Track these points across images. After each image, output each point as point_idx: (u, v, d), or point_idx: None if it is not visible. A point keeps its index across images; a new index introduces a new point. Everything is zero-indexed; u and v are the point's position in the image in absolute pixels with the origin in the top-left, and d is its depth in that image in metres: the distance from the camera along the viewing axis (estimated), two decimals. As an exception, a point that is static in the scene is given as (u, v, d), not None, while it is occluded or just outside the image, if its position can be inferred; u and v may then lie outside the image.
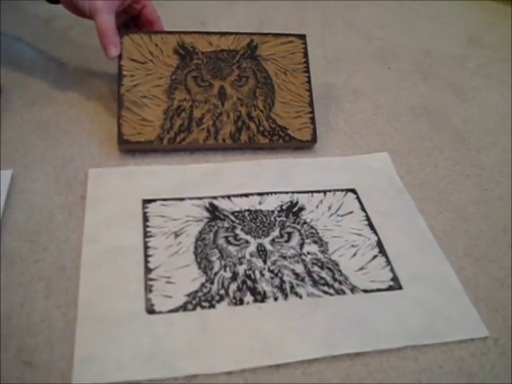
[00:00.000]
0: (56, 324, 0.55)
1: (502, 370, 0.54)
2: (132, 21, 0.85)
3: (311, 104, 0.79)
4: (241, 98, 0.77)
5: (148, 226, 0.64)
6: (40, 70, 0.90)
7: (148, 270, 0.59)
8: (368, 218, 0.68)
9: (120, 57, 0.77)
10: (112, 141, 0.77)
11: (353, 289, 0.59)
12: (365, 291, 0.59)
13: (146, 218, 0.65)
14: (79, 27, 0.99)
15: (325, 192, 0.71)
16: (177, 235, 0.63)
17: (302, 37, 0.83)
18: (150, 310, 0.55)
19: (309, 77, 0.80)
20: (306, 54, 0.81)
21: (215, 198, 0.68)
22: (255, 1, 1.19)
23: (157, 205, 0.67)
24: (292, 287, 0.58)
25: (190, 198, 0.68)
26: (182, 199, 0.68)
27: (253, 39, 0.81)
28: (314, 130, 0.77)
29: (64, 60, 0.94)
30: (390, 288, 0.60)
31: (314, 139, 0.77)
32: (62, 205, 0.68)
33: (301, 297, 0.58)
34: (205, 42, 0.79)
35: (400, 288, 0.60)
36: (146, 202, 0.67)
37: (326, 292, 0.58)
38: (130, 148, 0.74)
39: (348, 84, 0.96)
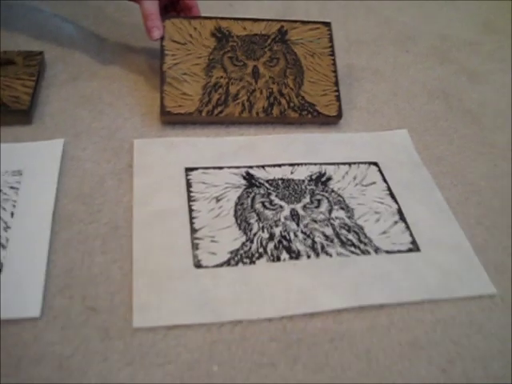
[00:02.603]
0: (114, 276, 0.62)
1: (506, 323, 0.62)
2: (171, 6, 0.91)
3: (337, 83, 0.86)
4: (272, 76, 0.84)
5: (191, 192, 0.71)
6: (80, 45, 0.97)
7: (194, 231, 0.66)
8: (389, 189, 0.75)
9: (162, 38, 0.83)
10: (153, 114, 0.84)
11: (376, 250, 0.66)
12: (387, 252, 0.66)
13: (189, 184, 0.72)
14: (114, 5, 1.05)
15: (350, 164, 0.78)
16: (218, 200, 0.70)
17: (328, 24, 0.90)
18: (198, 265, 0.63)
19: (334, 59, 0.87)
20: (331, 40, 0.88)
21: (251, 167, 0.75)
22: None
23: (198, 172, 0.74)
24: (323, 247, 0.65)
25: (229, 167, 0.75)
26: (220, 168, 0.75)
27: (283, 25, 0.88)
28: (340, 106, 0.84)
29: (103, 36, 1.00)
30: (409, 250, 0.67)
31: (339, 115, 0.84)
32: (112, 171, 0.75)
33: (331, 255, 0.65)
34: (239, 26, 0.87)
35: (418, 250, 0.67)
36: (189, 169, 0.74)
37: (352, 252, 0.65)
38: (171, 119, 0.81)
39: (369, 66, 1.02)
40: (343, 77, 0.94)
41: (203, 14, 0.90)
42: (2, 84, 0.84)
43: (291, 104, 0.83)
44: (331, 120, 0.84)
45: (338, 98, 0.84)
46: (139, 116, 0.84)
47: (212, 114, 0.81)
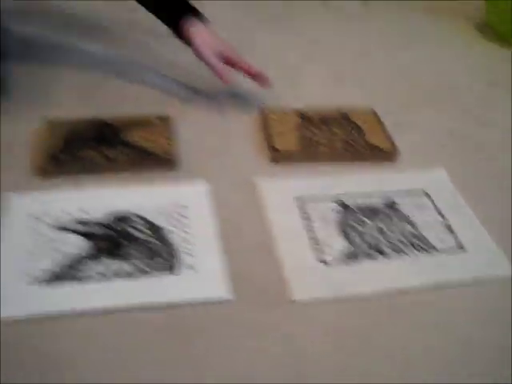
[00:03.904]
0: (271, 272, 0.97)
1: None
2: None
3: (389, 136, 1.24)
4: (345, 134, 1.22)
5: (305, 214, 1.06)
6: (196, 105, 1.32)
7: (314, 240, 1.02)
8: (438, 210, 1.11)
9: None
10: (263, 155, 1.20)
11: (437, 250, 1.02)
12: (443, 251, 1.02)
13: (302, 209, 1.07)
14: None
15: (409, 194, 1.14)
16: (325, 220, 1.06)
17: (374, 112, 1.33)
18: (323, 262, 0.98)
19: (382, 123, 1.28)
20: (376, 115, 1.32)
21: (342, 196, 1.11)
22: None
23: (307, 200, 1.09)
24: (402, 249, 1.01)
25: (327, 197, 1.10)
26: (321, 198, 1.10)
27: (345, 113, 1.30)
28: (395, 147, 1.22)
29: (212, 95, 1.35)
30: (458, 250, 1.02)
31: (396, 153, 1.22)
32: (246, 201, 1.09)
33: (407, 254, 1.00)
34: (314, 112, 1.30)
35: (463, 249, 1.03)
36: (300, 199, 1.10)
37: (419, 251, 1.01)
38: (279, 157, 1.17)
39: (404, 118, 1.39)
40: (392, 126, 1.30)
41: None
42: (150, 140, 1.18)
43: (362, 145, 1.20)
44: (391, 156, 1.19)
45: (393, 143, 1.21)
46: (254, 157, 1.20)
47: (308, 152, 1.16)
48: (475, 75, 1.62)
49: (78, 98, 1.37)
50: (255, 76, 1.29)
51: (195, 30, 1.26)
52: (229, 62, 1.27)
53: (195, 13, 1.29)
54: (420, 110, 1.43)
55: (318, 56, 1.68)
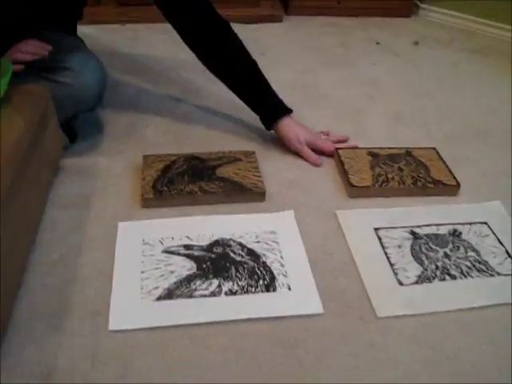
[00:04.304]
0: (353, 289, 1.13)
1: None
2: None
3: (450, 170, 1.39)
4: (411, 169, 1.38)
5: (382, 242, 1.23)
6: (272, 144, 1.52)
7: (391, 264, 1.18)
8: (497, 238, 1.26)
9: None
10: (341, 190, 1.37)
11: (497, 273, 1.17)
12: (504, 275, 1.17)
13: (379, 238, 1.24)
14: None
15: (471, 224, 1.29)
16: (399, 246, 1.22)
17: (434, 148, 1.48)
18: (400, 283, 1.14)
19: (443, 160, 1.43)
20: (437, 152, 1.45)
21: (413, 226, 1.27)
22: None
23: (383, 230, 1.25)
24: (467, 273, 1.17)
25: (400, 227, 1.27)
26: (395, 227, 1.27)
27: (409, 151, 1.44)
28: (457, 181, 1.37)
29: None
30: None
31: (458, 186, 1.36)
32: (328, 229, 1.26)
33: (472, 277, 1.16)
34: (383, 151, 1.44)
35: None
36: (376, 229, 1.26)
37: (483, 275, 1.16)
38: (355, 192, 1.33)
39: (464, 155, 1.55)
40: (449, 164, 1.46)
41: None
42: (241, 175, 1.36)
43: (428, 180, 1.35)
44: (453, 189, 1.35)
45: (454, 177, 1.37)
46: (332, 191, 1.36)
47: (381, 188, 1.33)
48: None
49: (170, 137, 1.56)
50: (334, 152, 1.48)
51: (286, 127, 1.47)
52: (311, 145, 1.47)
53: (285, 110, 1.48)
54: (474, 147, 1.59)
55: (378, 97, 1.85)
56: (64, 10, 1.50)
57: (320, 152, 1.48)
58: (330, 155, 1.48)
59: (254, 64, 1.44)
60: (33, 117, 1.19)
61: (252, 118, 1.51)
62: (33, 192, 1.19)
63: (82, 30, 1.61)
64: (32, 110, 1.20)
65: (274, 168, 1.42)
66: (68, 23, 1.55)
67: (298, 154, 1.47)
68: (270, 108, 1.47)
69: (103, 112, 1.61)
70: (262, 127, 1.51)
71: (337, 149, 1.46)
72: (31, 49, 1.33)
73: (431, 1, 2.50)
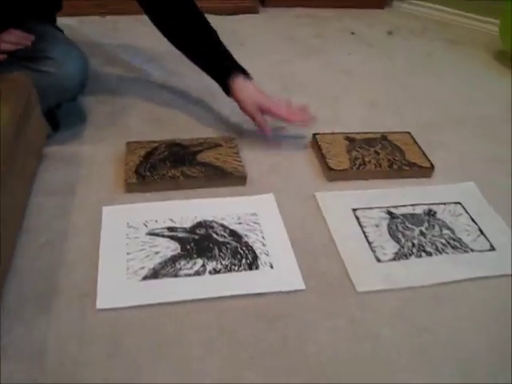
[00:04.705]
0: (334, 265, 1.17)
1: None
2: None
3: (425, 155, 1.44)
4: (387, 153, 1.42)
5: (360, 222, 1.27)
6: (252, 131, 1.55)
7: (369, 243, 1.22)
8: (471, 216, 1.30)
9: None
10: (319, 173, 1.41)
11: (471, 250, 1.22)
12: (477, 251, 1.22)
13: (357, 218, 1.28)
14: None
15: (445, 203, 1.34)
16: (377, 226, 1.26)
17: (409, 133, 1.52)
18: (378, 260, 1.18)
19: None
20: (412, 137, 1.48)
21: (389, 207, 1.31)
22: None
23: (360, 211, 1.30)
24: (442, 249, 1.21)
25: (377, 207, 1.31)
26: (371, 208, 1.31)
27: (385, 135, 1.49)
28: (431, 163, 1.42)
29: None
30: (489, 250, 1.22)
31: (432, 167, 1.41)
32: (307, 212, 1.29)
33: (447, 253, 1.20)
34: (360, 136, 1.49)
35: (494, 250, 1.22)
36: (354, 209, 1.30)
37: (457, 251, 1.21)
38: (333, 176, 1.37)
39: (437, 139, 1.60)
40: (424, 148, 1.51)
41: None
42: (222, 160, 1.39)
43: (403, 163, 1.40)
44: (428, 172, 1.40)
45: (429, 160, 1.42)
46: (311, 175, 1.40)
47: (358, 171, 1.37)
48: (495, 98, 1.83)
49: (152, 124, 1.59)
50: (295, 120, 1.46)
51: (240, 86, 1.42)
52: (268, 112, 1.43)
53: (240, 70, 1.46)
54: (449, 133, 1.64)
55: (353, 85, 1.90)
56: (43, 1, 1.50)
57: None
58: (290, 121, 1.47)
59: (211, 32, 1.46)
60: (17, 106, 1.21)
61: (233, 106, 1.52)
62: (18, 180, 1.21)
63: (62, 21, 1.63)
64: (16, 100, 1.22)
65: (254, 154, 1.45)
66: (47, 14, 1.57)
67: (252, 117, 1.45)
68: (224, 68, 1.45)
69: (85, 101, 1.63)
70: (243, 115, 1.52)
71: (314, 134, 1.50)
72: (14, 39, 1.35)
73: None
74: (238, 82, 1.42)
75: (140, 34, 2.05)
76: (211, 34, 1.44)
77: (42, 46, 1.37)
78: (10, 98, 1.21)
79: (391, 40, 2.24)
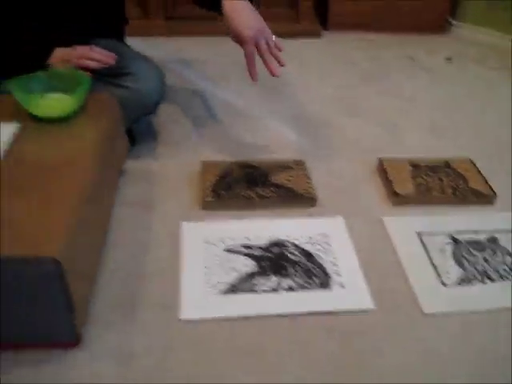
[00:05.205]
0: (398, 284, 1.24)
1: None
2: None
3: (487, 182, 1.50)
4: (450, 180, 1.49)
5: (425, 246, 1.34)
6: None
7: (434, 266, 1.29)
8: None
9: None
10: (384, 197, 1.47)
11: None
12: None
13: (422, 242, 1.35)
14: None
15: (507, 231, 1.40)
16: (441, 251, 1.33)
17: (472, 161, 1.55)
18: (443, 283, 1.25)
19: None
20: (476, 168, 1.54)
21: (453, 232, 1.38)
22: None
23: (425, 235, 1.36)
24: (505, 276, 1.27)
25: (441, 233, 1.37)
26: (436, 233, 1.38)
27: (448, 162, 1.55)
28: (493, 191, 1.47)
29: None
30: None
31: (495, 194, 1.46)
32: (376, 234, 1.37)
33: (510, 280, 1.26)
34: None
35: None
36: (420, 234, 1.37)
37: None
38: (401, 201, 1.44)
39: (498, 166, 1.66)
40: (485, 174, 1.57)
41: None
42: (293, 182, 1.48)
43: (467, 190, 1.46)
44: (490, 199, 1.47)
45: (491, 187, 1.47)
46: (377, 198, 1.47)
47: (423, 197, 1.44)
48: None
49: (220, 143, 1.69)
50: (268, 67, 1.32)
51: (236, 7, 1.29)
52: (258, 45, 1.29)
53: None
54: (509, 158, 1.69)
55: (413, 110, 1.96)
56: (111, 19, 1.60)
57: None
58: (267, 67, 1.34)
59: None
60: (108, 125, 1.32)
61: (300, 129, 1.63)
62: (107, 194, 1.32)
63: (129, 41, 1.72)
64: (107, 119, 1.33)
65: (322, 176, 1.54)
66: (115, 29, 1.65)
67: (240, 44, 1.31)
68: None
69: (157, 118, 1.74)
70: (311, 139, 1.62)
71: (379, 159, 1.57)
72: (98, 56, 1.40)
73: (464, 18, 2.59)
74: (233, 2, 1.30)
75: (206, 56, 2.17)
76: None
77: (122, 62, 1.45)
78: (101, 117, 1.32)
79: (451, 66, 2.30)
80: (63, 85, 1.29)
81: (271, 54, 1.32)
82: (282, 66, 1.33)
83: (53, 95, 1.29)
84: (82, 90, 1.26)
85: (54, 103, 1.28)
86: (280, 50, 1.34)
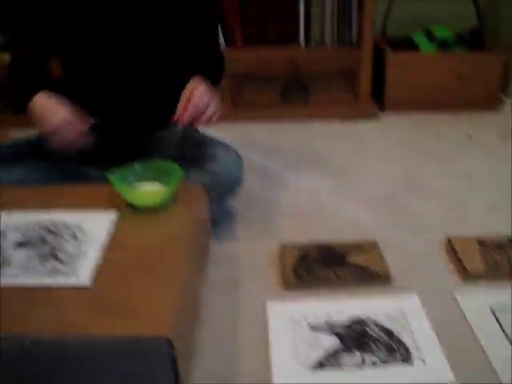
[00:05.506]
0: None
1: None
2: None
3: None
4: None
5: (499, 321, 1.42)
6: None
7: (511, 342, 1.37)
8: None
9: None
10: (454, 273, 1.56)
11: None
12: None
13: (496, 317, 1.42)
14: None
15: None
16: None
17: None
18: None
19: None
20: None
21: None
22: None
23: (499, 311, 1.44)
24: None
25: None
26: (509, 309, 1.46)
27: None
28: None
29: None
30: None
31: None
32: (450, 310, 1.46)
33: None
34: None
35: None
36: (493, 309, 1.45)
37: None
38: (472, 278, 1.53)
39: None
40: None
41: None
42: (368, 261, 1.58)
43: None
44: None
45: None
46: (448, 276, 1.57)
47: (493, 273, 1.52)
48: None
49: (294, 222, 1.82)
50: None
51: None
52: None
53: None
54: None
55: (473, 188, 2.06)
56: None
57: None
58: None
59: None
60: (199, 212, 1.46)
61: (370, 207, 1.74)
62: (199, 277, 1.44)
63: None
64: (197, 207, 1.47)
65: (394, 254, 1.64)
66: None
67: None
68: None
69: (233, 200, 1.85)
70: (381, 216, 1.78)
71: (448, 238, 1.67)
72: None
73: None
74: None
75: (270, 138, 2.31)
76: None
77: (203, 147, 1.60)
78: (191, 205, 1.45)
79: (506, 143, 2.39)
80: (155, 174, 1.42)
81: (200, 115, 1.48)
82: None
83: (149, 185, 1.42)
84: (175, 181, 1.38)
85: (151, 193, 1.41)
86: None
